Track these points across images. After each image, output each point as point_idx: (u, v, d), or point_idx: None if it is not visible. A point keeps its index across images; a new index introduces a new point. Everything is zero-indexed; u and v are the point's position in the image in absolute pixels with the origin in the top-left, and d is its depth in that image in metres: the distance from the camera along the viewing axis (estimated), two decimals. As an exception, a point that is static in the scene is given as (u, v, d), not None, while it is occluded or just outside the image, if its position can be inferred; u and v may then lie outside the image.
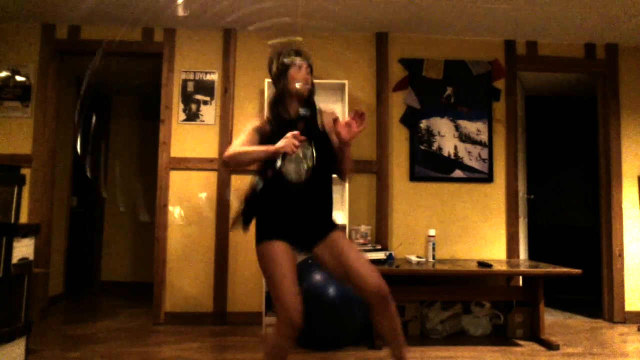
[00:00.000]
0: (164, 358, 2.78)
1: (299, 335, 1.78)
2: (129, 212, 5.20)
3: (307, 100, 1.95)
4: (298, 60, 1.92)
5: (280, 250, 1.81)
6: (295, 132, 1.74)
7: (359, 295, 1.83)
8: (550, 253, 4.75)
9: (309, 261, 3.04)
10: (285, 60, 1.93)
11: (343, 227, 2.00)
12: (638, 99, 3.96)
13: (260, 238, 1.87)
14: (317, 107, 2.00)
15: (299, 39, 2.06)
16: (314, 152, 1.86)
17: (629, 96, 3.95)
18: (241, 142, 1.90)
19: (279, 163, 1.81)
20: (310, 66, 1.96)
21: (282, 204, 1.87)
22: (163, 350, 2.92)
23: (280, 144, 1.74)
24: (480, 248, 3.75)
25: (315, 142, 1.88)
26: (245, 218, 1.91)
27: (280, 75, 1.93)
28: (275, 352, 1.80)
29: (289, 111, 1.94)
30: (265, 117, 2.01)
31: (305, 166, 1.85)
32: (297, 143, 1.73)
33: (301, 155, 1.85)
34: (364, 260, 1.83)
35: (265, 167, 1.87)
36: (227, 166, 2.01)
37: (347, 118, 1.84)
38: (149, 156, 5.10)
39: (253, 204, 1.91)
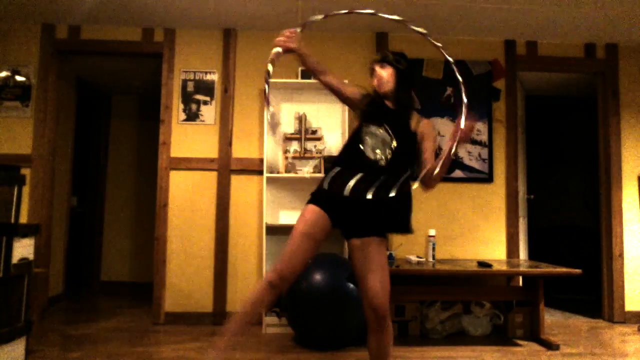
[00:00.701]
0: (164, 358, 2.78)
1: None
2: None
3: (397, 96, 1.99)
4: (374, 65, 2.05)
5: (314, 214, 1.82)
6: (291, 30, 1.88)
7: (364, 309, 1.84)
8: (550, 253, 4.75)
9: (309, 261, 3.04)
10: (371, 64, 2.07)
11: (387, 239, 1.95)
12: (638, 99, 3.96)
13: (310, 198, 1.90)
14: (412, 106, 2.05)
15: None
16: (396, 143, 1.87)
17: (629, 96, 3.95)
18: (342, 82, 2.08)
19: (364, 137, 1.88)
20: (382, 63, 2.02)
21: (349, 175, 1.84)
22: (163, 350, 2.92)
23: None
24: (480, 248, 3.75)
25: (400, 136, 1.89)
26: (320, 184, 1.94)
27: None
28: (250, 298, 1.85)
29: (386, 100, 2.01)
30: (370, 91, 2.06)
31: (382, 150, 1.86)
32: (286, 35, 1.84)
33: (381, 137, 1.87)
34: (382, 277, 1.81)
35: (348, 143, 1.96)
36: (323, 82, 2.12)
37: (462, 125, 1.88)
38: (149, 156, 5.11)
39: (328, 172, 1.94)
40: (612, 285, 3.80)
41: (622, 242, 3.83)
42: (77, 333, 3.28)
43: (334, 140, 3.69)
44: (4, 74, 3.65)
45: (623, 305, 3.78)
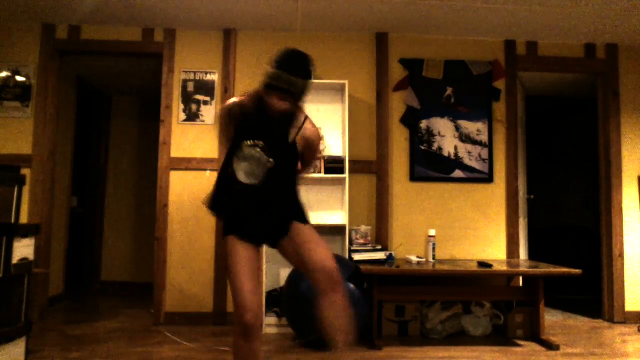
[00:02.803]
0: (164, 358, 2.78)
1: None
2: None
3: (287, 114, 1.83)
4: (273, 96, 1.75)
5: (239, 245, 1.77)
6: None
7: (309, 278, 1.79)
8: (550, 253, 4.76)
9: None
10: (268, 79, 1.74)
11: (308, 220, 1.92)
12: (638, 99, 3.96)
13: (224, 231, 1.84)
14: (299, 119, 1.87)
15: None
16: (272, 160, 1.78)
17: (629, 96, 3.95)
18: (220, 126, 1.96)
19: (234, 162, 1.79)
20: (288, 94, 1.74)
21: (233, 202, 1.82)
22: (163, 350, 2.92)
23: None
24: (480, 248, 3.75)
25: (278, 151, 1.80)
26: (210, 204, 1.89)
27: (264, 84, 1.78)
28: (237, 355, 1.75)
29: (271, 105, 1.78)
30: (248, 100, 1.85)
31: (258, 170, 1.78)
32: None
33: (256, 157, 1.78)
34: (321, 243, 1.80)
35: (225, 161, 1.85)
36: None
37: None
38: (149, 156, 5.11)
39: (215, 195, 1.87)
40: (612, 285, 3.80)
41: (622, 242, 3.83)
42: (77, 333, 3.28)
43: (334, 140, 3.69)
44: (4, 74, 3.65)
45: (623, 305, 3.78)
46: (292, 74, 1.71)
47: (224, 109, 1.88)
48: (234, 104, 1.85)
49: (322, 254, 1.76)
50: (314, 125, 1.92)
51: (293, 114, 1.85)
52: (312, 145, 1.93)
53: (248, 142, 1.79)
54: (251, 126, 1.82)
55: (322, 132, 1.88)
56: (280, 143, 1.82)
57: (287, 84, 1.70)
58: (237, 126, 1.85)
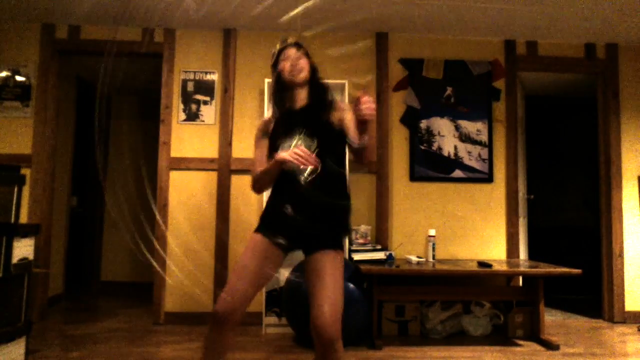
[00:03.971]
0: (164, 358, 2.78)
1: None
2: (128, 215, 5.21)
3: (313, 86, 1.85)
4: (285, 50, 1.83)
5: (256, 243, 1.72)
6: (301, 149, 1.62)
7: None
8: (550, 253, 4.75)
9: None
10: (273, 53, 1.87)
11: (342, 246, 1.78)
12: (638, 99, 3.96)
13: (256, 228, 1.79)
14: (328, 96, 1.86)
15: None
16: (318, 146, 1.71)
17: (629, 96, 3.95)
18: (255, 160, 1.84)
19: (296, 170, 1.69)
20: (300, 49, 1.84)
21: (284, 201, 1.72)
22: (163, 350, 2.92)
23: (283, 155, 1.63)
24: (480, 248, 3.75)
25: (319, 135, 1.74)
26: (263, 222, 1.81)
27: (274, 68, 1.86)
28: (205, 340, 1.69)
29: (292, 102, 1.83)
30: (269, 114, 1.91)
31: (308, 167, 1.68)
32: (300, 154, 1.59)
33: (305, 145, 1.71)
34: (333, 293, 1.61)
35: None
36: (260, 192, 1.92)
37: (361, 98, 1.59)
38: (149, 156, 5.10)
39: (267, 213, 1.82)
40: (612, 285, 3.80)
41: (622, 242, 3.83)
42: (77, 333, 3.28)
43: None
44: (4, 74, 3.65)
45: (623, 305, 3.78)
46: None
47: (257, 128, 1.90)
48: (262, 121, 1.90)
49: (326, 311, 1.57)
50: (346, 104, 1.87)
51: (320, 99, 1.83)
52: (347, 118, 1.77)
53: (287, 138, 1.75)
54: (282, 126, 1.78)
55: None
56: (317, 125, 1.75)
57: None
58: (271, 139, 1.81)
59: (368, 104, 1.52)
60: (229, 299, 1.62)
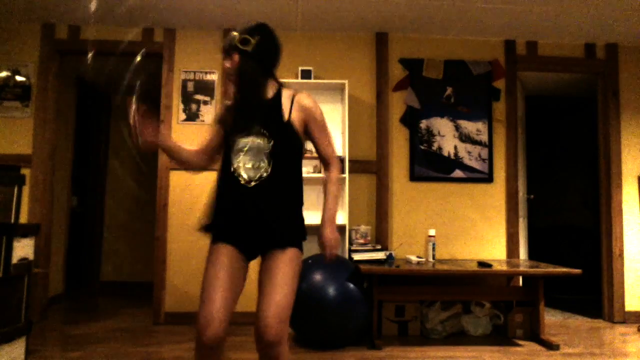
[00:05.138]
0: (164, 358, 2.78)
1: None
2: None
3: (242, 84, 1.65)
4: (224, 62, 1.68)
5: (220, 254, 1.61)
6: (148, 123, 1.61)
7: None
8: (550, 253, 4.76)
9: (309, 261, 3.04)
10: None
11: (298, 244, 1.70)
12: (638, 99, 3.96)
13: (212, 239, 1.68)
14: (278, 89, 1.70)
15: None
16: (274, 146, 1.61)
17: (629, 96, 3.95)
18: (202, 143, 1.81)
19: (233, 160, 1.62)
20: (229, 49, 1.65)
21: (232, 205, 1.62)
22: (163, 350, 2.92)
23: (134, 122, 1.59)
24: (480, 248, 3.75)
25: (275, 134, 1.62)
26: (208, 222, 1.71)
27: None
28: None
29: (259, 92, 1.68)
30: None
31: (263, 162, 1.60)
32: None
33: (253, 149, 1.61)
34: (279, 294, 1.52)
35: (221, 166, 1.68)
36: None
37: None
38: (149, 156, 5.11)
39: (213, 211, 1.70)
40: (612, 285, 3.80)
41: (622, 242, 3.83)
42: (77, 333, 3.28)
43: (334, 140, 3.68)
44: (4, 74, 3.65)
45: (623, 305, 3.78)
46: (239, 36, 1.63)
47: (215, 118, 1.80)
48: (223, 106, 1.77)
49: (270, 313, 1.48)
50: (313, 99, 1.73)
51: (277, 93, 1.68)
52: (316, 118, 1.69)
53: (243, 133, 1.63)
54: (238, 118, 1.65)
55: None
56: (275, 124, 1.63)
57: (227, 43, 1.64)
58: (226, 128, 1.70)
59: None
60: (209, 314, 1.49)
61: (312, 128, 1.70)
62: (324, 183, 1.75)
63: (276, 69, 1.72)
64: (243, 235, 1.63)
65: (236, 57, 1.63)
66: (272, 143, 1.61)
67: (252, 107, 1.65)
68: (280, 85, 1.72)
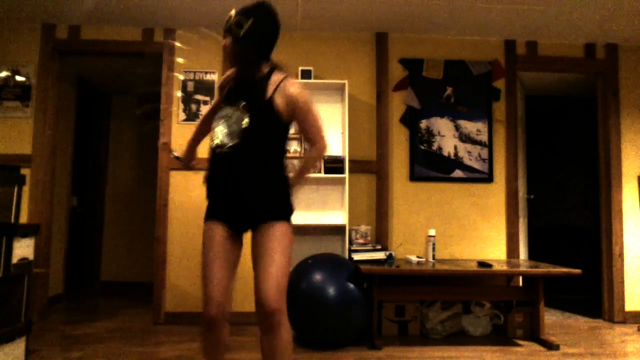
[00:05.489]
0: (164, 358, 2.78)
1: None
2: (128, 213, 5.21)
3: (241, 65, 1.76)
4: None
5: (213, 232, 1.69)
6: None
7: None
8: (550, 253, 4.76)
9: (309, 261, 3.04)
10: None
11: (284, 216, 1.75)
12: (638, 99, 3.96)
13: (205, 217, 1.77)
14: (270, 70, 1.77)
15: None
16: (249, 120, 1.67)
17: (629, 96, 3.95)
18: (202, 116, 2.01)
19: (214, 126, 1.77)
20: (228, 30, 1.73)
21: (215, 181, 1.73)
22: (163, 350, 2.92)
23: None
24: (480, 248, 3.75)
25: (254, 110, 1.68)
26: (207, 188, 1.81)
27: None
28: (203, 345, 1.71)
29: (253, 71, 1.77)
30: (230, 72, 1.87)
31: (235, 129, 1.68)
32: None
33: (233, 118, 1.70)
34: (273, 266, 1.62)
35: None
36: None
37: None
38: (149, 156, 5.11)
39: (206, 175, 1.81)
40: (612, 285, 3.80)
41: (622, 242, 3.83)
42: (77, 333, 3.28)
43: (334, 140, 3.69)
44: (4, 74, 3.65)
45: (623, 305, 3.78)
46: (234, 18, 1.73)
47: (219, 86, 1.93)
48: (225, 77, 1.89)
49: (268, 284, 1.58)
50: (299, 87, 1.75)
51: (267, 74, 1.75)
52: (301, 106, 1.73)
53: (229, 105, 1.74)
54: (229, 92, 1.78)
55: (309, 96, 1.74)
56: (257, 102, 1.70)
57: (226, 25, 1.75)
58: (220, 97, 1.85)
59: None
60: (212, 294, 1.62)
61: (297, 114, 1.75)
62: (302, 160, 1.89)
63: (271, 49, 1.80)
64: (227, 210, 1.71)
65: (228, 40, 1.73)
66: (248, 117, 1.68)
67: (238, 84, 1.77)
68: (273, 67, 1.79)
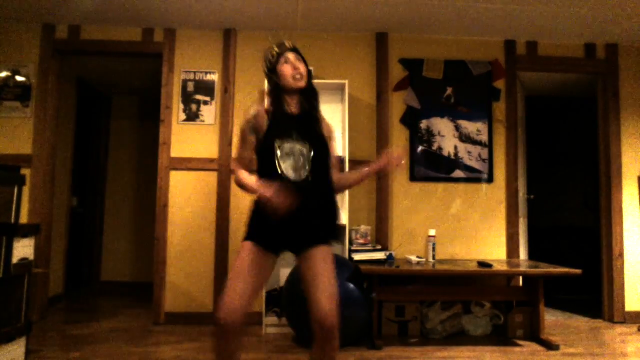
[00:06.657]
0: (164, 358, 2.78)
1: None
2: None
3: (307, 91, 1.88)
4: (285, 53, 1.86)
5: (249, 250, 1.76)
6: (285, 192, 1.63)
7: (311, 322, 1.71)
8: (550, 253, 4.75)
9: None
10: (271, 56, 1.88)
11: (335, 238, 1.91)
12: (638, 99, 3.96)
13: (245, 236, 1.82)
14: (318, 105, 1.93)
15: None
16: (313, 153, 1.77)
17: (629, 96, 3.95)
18: (240, 156, 1.87)
19: (278, 166, 1.74)
20: (298, 54, 1.88)
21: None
22: (163, 350, 2.92)
23: (265, 191, 1.63)
24: (480, 248, 3.75)
25: (314, 143, 1.80)
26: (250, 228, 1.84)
27: (271, 72, 1.88)
28: (214, 350, 1.74)
29: (288, 106, 1.86)
30: (264, 106, 1.89)
31: (305, 165, 1.76)
32: (282, 201, 1.61)
33: (299, 152, 1.76)
34: (328, 286, 1.72)
35: (264, 168, 1.79)
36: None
37: (393, 154, 1.94)
38: (149, 156, 5.11)
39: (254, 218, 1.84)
40: (612, 285, 3.80)
41: (622, 242, 3.83)
42: (77, 333, 3.28)
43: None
44: (4, 74, 3.65)
45: (623, 305, 3.78)
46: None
47: (246, 122, 1.87)
48: (252, 115, 1.86)
49: (325, 302, 1.68)
50: (329, 124, 1.99)
51: (313, 106, 1.90)
52: (332, 136, 1.95)
53: (285, 139, 1.77)
54: (278, 126, 1.80)
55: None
56: (316, 133, 1.84)
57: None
58: (263, 134, 1.81)
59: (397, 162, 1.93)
60: (230, 302, 1.65)
61: (328, 141, 1.91)
62: (347, 175, 2.11)
63: None
64: (283, 234, 1.77)
65: (302, 65, 1.87)
66: (313, 149, 1.79)
67: (288, 117, 1.84)
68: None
